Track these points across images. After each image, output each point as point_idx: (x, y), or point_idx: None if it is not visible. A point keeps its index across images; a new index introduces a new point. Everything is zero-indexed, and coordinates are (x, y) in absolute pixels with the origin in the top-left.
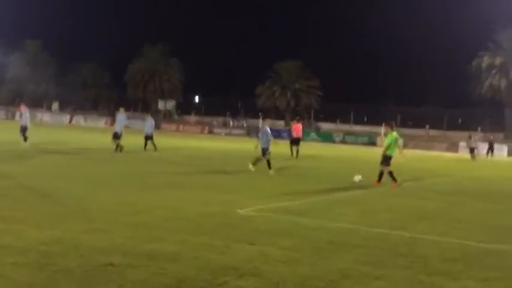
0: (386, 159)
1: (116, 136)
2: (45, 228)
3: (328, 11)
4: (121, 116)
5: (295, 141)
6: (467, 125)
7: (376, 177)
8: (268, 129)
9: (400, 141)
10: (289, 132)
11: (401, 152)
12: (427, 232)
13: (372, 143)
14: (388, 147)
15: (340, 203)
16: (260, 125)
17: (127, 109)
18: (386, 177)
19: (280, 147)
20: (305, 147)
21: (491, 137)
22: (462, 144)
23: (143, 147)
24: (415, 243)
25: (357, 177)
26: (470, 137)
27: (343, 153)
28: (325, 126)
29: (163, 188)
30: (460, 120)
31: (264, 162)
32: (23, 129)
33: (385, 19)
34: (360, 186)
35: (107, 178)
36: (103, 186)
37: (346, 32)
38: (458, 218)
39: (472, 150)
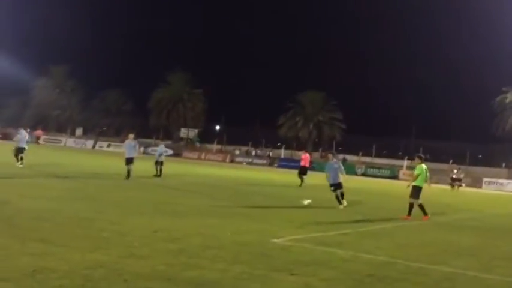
0: (416, 191)
1: (127, 162)
2: (87, 251)
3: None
4: (130, 142)
5: (302, 171)
6: (489, 161)
7: (406, 211)
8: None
9: (428, 174)
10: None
11: (429, 185)
12: (468, 268)
13: (394, 176)
14: (417, 177)
15: (373, 235)
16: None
17: (149, 136)
18: (416, 210)
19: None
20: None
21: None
22: (486, 179)
23: (157, 173)
24: (457, 279)
25: (306, 201)
26: (457, 169)
27: (366, 186)
28: (347, 158)
29: (194, 215)
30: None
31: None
32: (20, 150)
33: (408, 52)
34: (389, 219)
35: (137, 204)
36: (134, 212)
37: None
38: (497, 254)
39: (453, 180)
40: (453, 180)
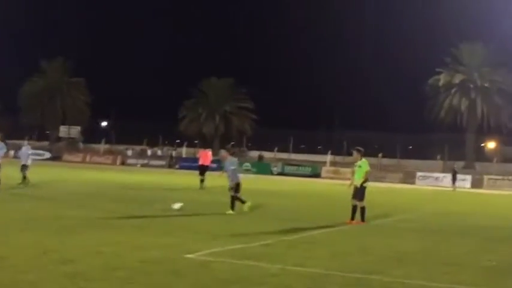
0: (361, 192)
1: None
2: None
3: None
4: (25, 148)
5: (201, 171)
6: (423, 153)
7: (338, 215)
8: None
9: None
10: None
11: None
12: (411, 276)
13: (316, 174)
14: (366, 174)
15: (302, 244)
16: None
17: (21, 137)
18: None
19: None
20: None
21: (455, 165)
22: (420, 174)
23: (22, 180)
24: None
25: (177, 205)
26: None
27: (285, 186)
28: (257, 154)
29: (86, 230)
30: (411, 147)
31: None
32: None
33: (329, 33)
34: (317, 224)
35: (14, 219)
36: (13, 229)
37: (284, 47)
38: (442, 259)
39: None
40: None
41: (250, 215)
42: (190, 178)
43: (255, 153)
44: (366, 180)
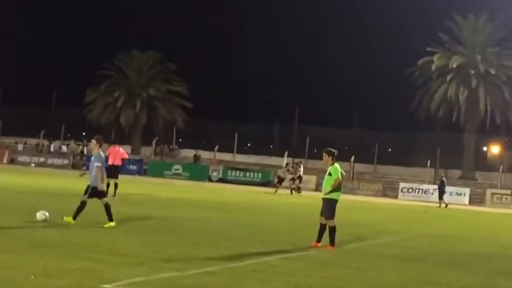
0: (330, 207)
1: None
2: None
3: None
4: None
5: (112, 173)
6: (409, 158)
7: (315, 236)
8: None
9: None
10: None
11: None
12: None
13: (267, 181)
14: (337, 184)
15: (256, 273)
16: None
17: None
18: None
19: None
20: (167, 187)
21: (442, 174)
22: (404, 185)
23: None
24: None
25: (41, 215)
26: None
27: (232, 198)
28: (193, 153)
29: None
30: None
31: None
32: None
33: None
34: (281, 249)
35: None
36: None
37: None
38: None
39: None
40: (280, 180)
41: (186, 234)
42: None
43: (188, 153)
44: (334, 191)
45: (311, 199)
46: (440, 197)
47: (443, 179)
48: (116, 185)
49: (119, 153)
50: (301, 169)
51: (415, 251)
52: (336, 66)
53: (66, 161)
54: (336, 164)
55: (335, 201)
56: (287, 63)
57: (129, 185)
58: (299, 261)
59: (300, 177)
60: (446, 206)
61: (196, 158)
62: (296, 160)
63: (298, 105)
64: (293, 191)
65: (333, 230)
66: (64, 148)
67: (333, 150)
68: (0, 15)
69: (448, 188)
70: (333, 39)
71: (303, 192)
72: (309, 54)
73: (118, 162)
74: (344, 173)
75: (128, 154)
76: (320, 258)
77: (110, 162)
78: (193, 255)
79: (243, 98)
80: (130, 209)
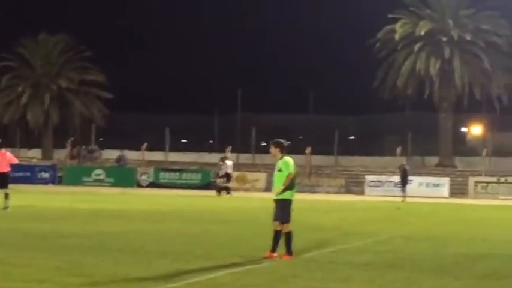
0: (283, 209)
1: None
2: None
3: None
4: None
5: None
6: (374, 145)
7: (269, 245)
8: None
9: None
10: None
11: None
12: None
13: (207, 183)
14: (289, 181)
15: None
16: None
17: None
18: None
19: None
20: (87, 196)
21: (404, 162)
22: (370, 178)
23: None
24: None
25: None
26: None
27: (167, 206)
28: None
29: None
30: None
31: None
32: None
33: None
34: (228, 262)
35: None
36: None
37: None
38: None
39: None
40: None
41: (113, 252)
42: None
43: (111, 154)
44: (287, 189)
45: (261, 201)
46: (403, 189)
47: (406, 167)
48: (6, 195)
49: (6, 158)
50: (228, 164)
51: (388, 256)
52: (284, 40)
53: None
54: (287, 157)
55: (289, 201)
56: (223, 37)
57: (38, 196)
58: (252, 276)
59: (227, 175)
60: (404, 199)
61: (120, 159)
62: (222, 154)
63: (240, 88)
64: (221, 192)
65: (289, 236)
66: None
67: (281, 140)
68: None
69: (424, 179)
70: (277, 5)
71: (234, 193)
72: (250, 25)
73: (6, 169)
74: (297, 168)
75: (16, 158)
76: (276, 271)
77: None
78: (123, 277)
79: (173, 85)
80: (43, 225)
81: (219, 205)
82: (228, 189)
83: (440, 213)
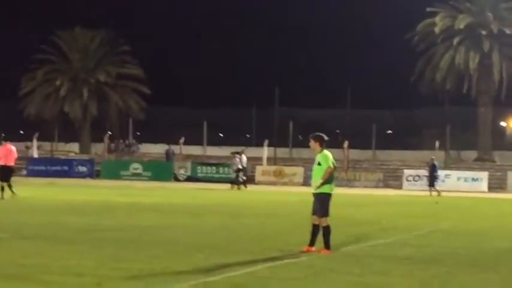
0: (322, 203)
1: None
2: None
3: None
4: None
5: (4, 174)
6: (412, 140)
7: (306, 239)
8: None
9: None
10: None
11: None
12: None
13: (246, 178)
14: (328, 176)
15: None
16: None
17: None
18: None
19: None
20: (124, 191)
21: (432, 157)
22: (408, 173)
23: None
24: None
25: None
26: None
27: (204, 200)
28: (154, 149)
29: None
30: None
31: None
32: None
33: None
34: (266, 257)
35: None
36: None
37: None
38: None
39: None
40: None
41: (151, 246)
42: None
43: (149, 148)
44: (326, 183)
45: (299, 195)
46: (431, 184)
47: (435, 162)
48: (7, 187)
49: (12, 152)
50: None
51: (428, 251)
52: (322, 36)
53: None
54: (326, 151)
55: (328, 195)
56: (263, 33)
57: (76, 189)
58: (290, 270)
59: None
60: (439, 194)
61: (169, 154)
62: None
63: (277, 84)
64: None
65: (327, 230)
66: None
67: (321, 134)
68: None
69: (462, 173)
70: (315, 2)
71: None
72: (289, 22)
73: (12, 163)
74: (335, 162)
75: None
76: (314, 265)
77: (2, 162)
78: (161, 271)
79: (212, 80)
80: (81, 218)
81: (257, 199)
82: (241, 183)
83: (479, 207)
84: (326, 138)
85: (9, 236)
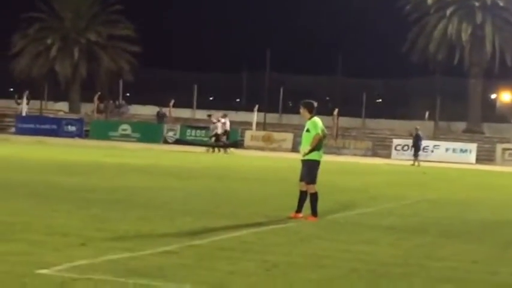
0: (310, 169)
1: None
2: None
3: None
4: None
5: None
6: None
7: (291, 205)
8: None
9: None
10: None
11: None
12: None
13: (235, 142)
14: (316, 142)
15: (225, 252)
16: None
17: None
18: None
19: None
20: (113, 151)
21: (417, 127)
22: (397, 142)
23: None
24: None
25: None
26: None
27: (193, 163)
28: (144, 110)
29: None
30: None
31: None
32: None
33: None
34: (253, 222)
35: None
36: None
37: None
38: (436, 274)
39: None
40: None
41: (138, 208)
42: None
43: (138, 109)
44: (314, 150)
45: (287, 161)
46: (415, 154)
47: (419, 132)
48: None
49: None
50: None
51: (414, 220)
52: (314, 2)
53: None
54: (316, 118)
55: (316, 162)
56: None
57: (65, 149)
58: (276, 235)
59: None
60: (419, 165)
61: (161, 115)
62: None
63: (268, 48)
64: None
65: (314, 197)
66: None
67: (311, 101)
68: None
69: (451, 144)
70: None
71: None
72: None
73: None
74: (325, 130)
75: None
76: (301, 231)
77: None
78: (147, 233)
79: (203, 43)
80: (69, 178)
81: (245, 164)
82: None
83: (467, 179)
84: (315, 104)
85: None
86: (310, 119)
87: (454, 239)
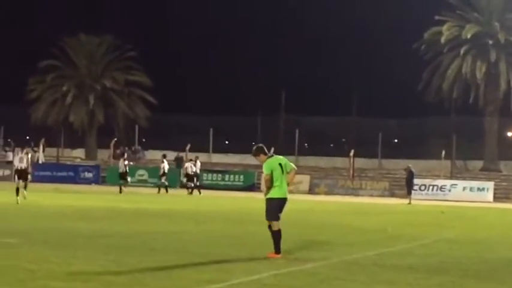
0: (269, 207)
1: None
2: None
3: None
4: None
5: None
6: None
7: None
8: None
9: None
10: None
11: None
12: None
13: (250, 185)
14: (270, 182)
15: None
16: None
17: None
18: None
19: None
20: (129, 197)
21: (409, 165)
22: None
23: None
24: None
25: None
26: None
27: (209, 206)
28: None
29: None
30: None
31: None
32: None
33: None
34: (280, 264)
35: None
36: None
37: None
38: None
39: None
40: (188, 177)
41: (155, 253)
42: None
43: (154, 155)
44: (269, 189)
45: (304, 203)
46: (409, 192)
47: (412, 169)
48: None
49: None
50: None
51: (433, 260)
52: (329, 44)
53: (7, 172)
54: (270, 159)
55: (274, 200)
56: (267, 41)
57: (82, 195)
58: (295, 277)
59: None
60: (409, 202)
61: (179, 160)
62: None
63: (284, 91)
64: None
65: (277, 234)
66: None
67: (259, 145)
68: None
69: (468, 183)
70: (321, 10)
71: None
72: (296, 29)
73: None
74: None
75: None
76: (319, 272)
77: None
78: (165, 276)
79: (217, 86)
80: (86, 224)
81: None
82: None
83: (485, 217)
84: (261, 145)
85: (16, 241)
86: (265, 160)
87: (474, 279)
